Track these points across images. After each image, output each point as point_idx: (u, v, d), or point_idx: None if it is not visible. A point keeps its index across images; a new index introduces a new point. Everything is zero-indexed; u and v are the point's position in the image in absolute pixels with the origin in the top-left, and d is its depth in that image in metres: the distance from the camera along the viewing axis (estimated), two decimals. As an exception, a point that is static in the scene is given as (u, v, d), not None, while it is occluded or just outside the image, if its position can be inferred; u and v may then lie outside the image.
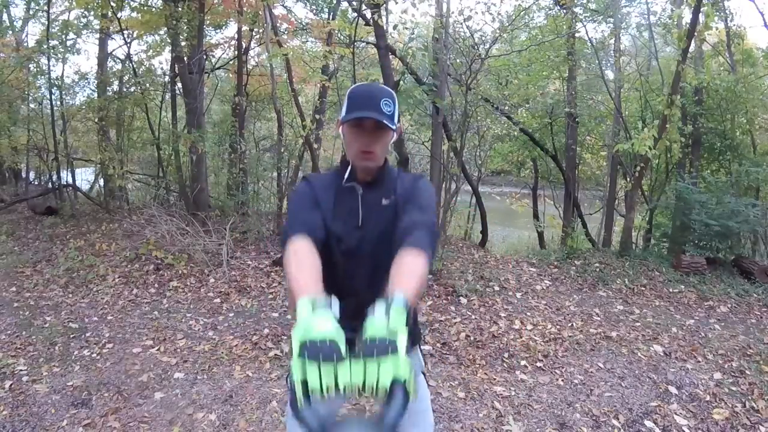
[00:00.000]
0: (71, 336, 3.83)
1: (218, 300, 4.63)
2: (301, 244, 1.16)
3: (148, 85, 8.75)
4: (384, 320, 0.93)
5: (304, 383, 0.82)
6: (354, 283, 1.35)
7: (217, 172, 9.81)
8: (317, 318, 0.88)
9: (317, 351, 0.82)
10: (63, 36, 8.11)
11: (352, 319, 1.28)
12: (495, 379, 3.30)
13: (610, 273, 5.62)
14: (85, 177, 11.11)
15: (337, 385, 0.82)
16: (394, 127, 1.25)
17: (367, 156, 1.28)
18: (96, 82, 9.23)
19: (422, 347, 1.59)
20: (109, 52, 9.52)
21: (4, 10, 10.51)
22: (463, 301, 4.64)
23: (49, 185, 9.53)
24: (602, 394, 3.14)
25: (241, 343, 3.77)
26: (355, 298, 1.32)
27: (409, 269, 1.08)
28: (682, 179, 6.83)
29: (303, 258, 1.12)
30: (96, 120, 8.98)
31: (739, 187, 6.96)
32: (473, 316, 4.34)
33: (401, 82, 6.70)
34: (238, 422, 2.74)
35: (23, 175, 11.27)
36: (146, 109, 8.92)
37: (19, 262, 5.57)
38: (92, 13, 8.20)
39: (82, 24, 8.68)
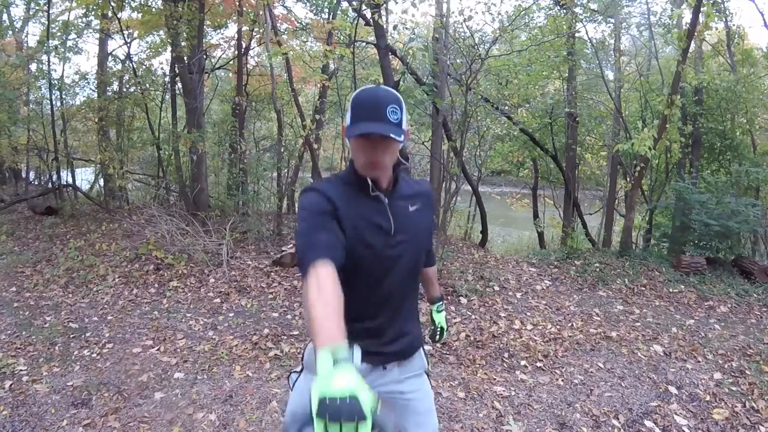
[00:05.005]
0: (71, 336, 3.83)
1: (218, 300, 4.63)
2: (325, 273, 1.09)
3: (148, 85, 8.76)
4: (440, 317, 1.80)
5: None
6: (385, 289, 1.37)
7: (217, 172, 9.81)
8: (339, 373, 0.87)
9: (337, 409, 0.81)
10: (63, 36, 8.11)
11: (386, 328, 1.41)
12: (495, 379, 3.30)
13: (610, 273, 5.62)
14: (85, 177, 11.11)
15: None
16: (400, 139, 1.22)
17: (375, 167, 1.28)
18: (96, 82, 9.23)
19: (424, 347, 1.60)
20: (109, 52, 9.53)
21: (4, 10, 10.51)
22: (463, 301, 4.64)
23: (49, 185, 9.53)
24: (602, 394, 3.14)
25: (241, 343, 3.77)
26: (386, 302, 1.39)
27: (435, 280, 1.80)
28: (682, 179, 6.83)
29: (327, 293, 1.05)
30: (96, 120, 8.99)
31: (739, 187, 6.95)
32: (473, 316, 4.34)
33: (401, 82, 6.68)
34: (238, 422, 2.74)
35: (23, 175, 11.28)
36: (146, 109, 8.93)
37: (19, 262, 5.57)
38: (92, 13, 8.21)
39: (82, 24, 8.69)
